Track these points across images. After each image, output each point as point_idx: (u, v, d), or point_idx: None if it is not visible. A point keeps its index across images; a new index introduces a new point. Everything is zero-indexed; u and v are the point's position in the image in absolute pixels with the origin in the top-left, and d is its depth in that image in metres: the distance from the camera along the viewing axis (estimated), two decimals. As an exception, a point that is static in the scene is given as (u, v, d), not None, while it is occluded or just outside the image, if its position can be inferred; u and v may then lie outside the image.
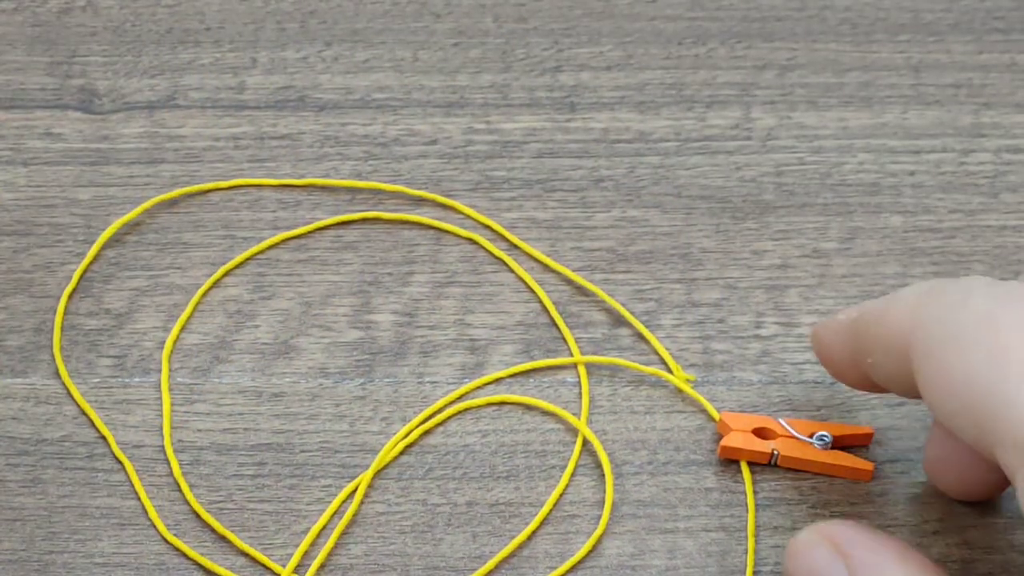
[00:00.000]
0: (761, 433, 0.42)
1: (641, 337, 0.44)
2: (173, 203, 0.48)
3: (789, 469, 0.42)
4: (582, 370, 0.43)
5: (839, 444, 0.42)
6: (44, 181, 0.48)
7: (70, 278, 0.46)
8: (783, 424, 0.42)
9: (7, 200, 0.48)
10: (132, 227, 0.47)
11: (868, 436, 0.42)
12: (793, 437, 0.41)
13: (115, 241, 0.47)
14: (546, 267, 0.46)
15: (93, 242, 0.46)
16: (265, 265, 0.46)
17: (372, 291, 0.46)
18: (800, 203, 0.47)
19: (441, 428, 0.43)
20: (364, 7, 0.53)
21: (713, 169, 0.48)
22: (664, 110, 0.50)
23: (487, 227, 0.47)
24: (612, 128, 0.49)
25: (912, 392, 0.35)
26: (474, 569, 0.41)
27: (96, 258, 0.46)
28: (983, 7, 0.52)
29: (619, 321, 0.45)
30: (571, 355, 0.44)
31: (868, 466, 0.41)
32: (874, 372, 0.37)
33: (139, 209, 0.47)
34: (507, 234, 0.47)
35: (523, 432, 0.43)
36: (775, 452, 0.41)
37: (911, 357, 0.34)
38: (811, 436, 0.41)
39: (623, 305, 0.45)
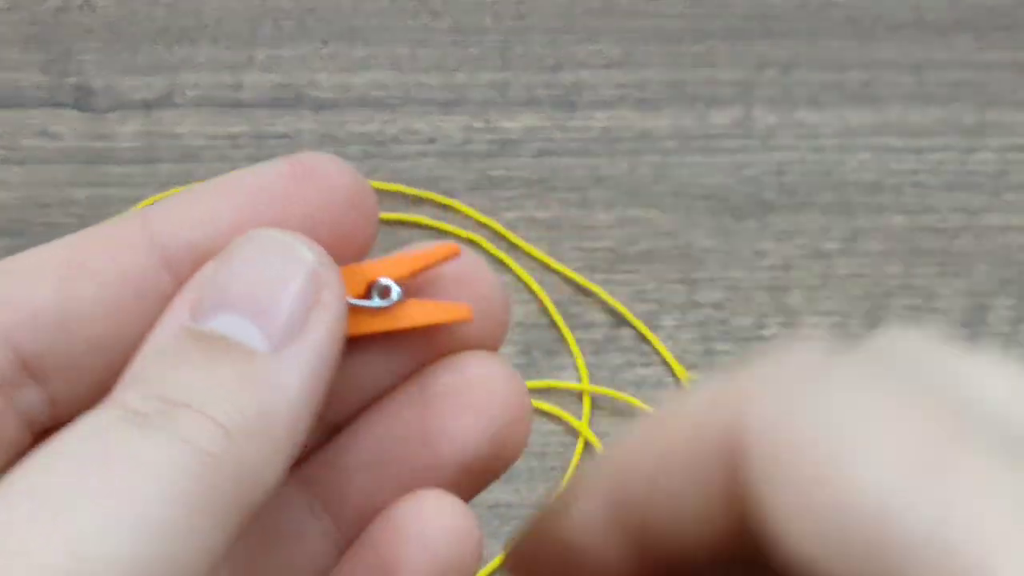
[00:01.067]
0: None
1: (642, 338, 0.44)
2: (170, 202, 0.47)
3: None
4: (587, 399, 0.43)
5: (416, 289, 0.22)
6: (40, 180, 0.48)
7: (66, 278, 0.45)
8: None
9: (2, 199, 0.47)
10: (128, 227, 0.47)
11: (455, 253, 0.22)
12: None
13: (111, 241, 0.46)
14: (546, 267, 0.46)
15: (89, 242, 0.46)
16: (263, 265, 0.46)
17: (371, 291, 0.45)
18: (801, 202, 0.47)
19: (440, 430, 0.43)
20: (362, 4, 0.52)
21: (714, 168, 0.48)
22: (665, 108, 0.49)
23: (487, 227, 0.47)
24: (612, 127, 0.49)
25: (719, 537, 0.20)
26: (474, 572, 0.40)
27: (92, 258, 0.46)
28: (985, 5, 0.52)
29: (620, 322, 0.45)
30: (571, 356, 0.44)
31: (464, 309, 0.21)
32: (663, 518, 0.21)
33: (136, 209, 0.47)
34: (507, 234, 0.46)
35: (523, 434, 0.43)
36: None
37: (746, 475, 0.19)
38: (368, 292, 0.22)
39: (624, 305, 0.45)
